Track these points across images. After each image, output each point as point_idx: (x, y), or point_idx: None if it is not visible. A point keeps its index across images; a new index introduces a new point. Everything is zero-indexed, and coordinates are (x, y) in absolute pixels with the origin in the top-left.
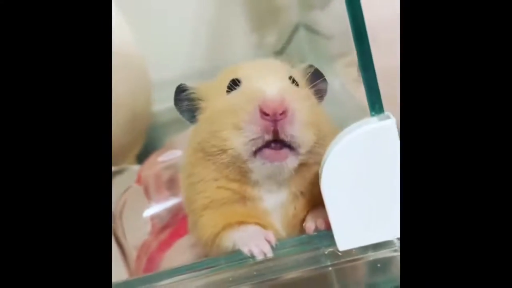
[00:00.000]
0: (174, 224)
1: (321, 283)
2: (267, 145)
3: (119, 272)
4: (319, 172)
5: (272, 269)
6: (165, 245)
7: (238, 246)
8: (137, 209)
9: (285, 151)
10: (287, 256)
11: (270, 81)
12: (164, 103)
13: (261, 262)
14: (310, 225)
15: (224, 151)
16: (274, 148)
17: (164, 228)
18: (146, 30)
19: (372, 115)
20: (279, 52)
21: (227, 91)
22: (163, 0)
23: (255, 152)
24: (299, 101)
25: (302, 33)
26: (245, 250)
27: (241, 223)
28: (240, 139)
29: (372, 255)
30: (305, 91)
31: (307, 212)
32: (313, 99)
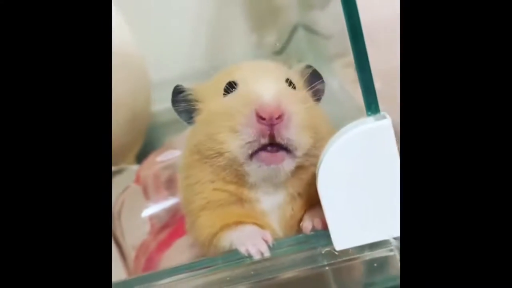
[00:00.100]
0: (173, 224)
1: (318, 283)
2: (263, 148)
3: (117, 272)
4: (316, 172)
5: (269, 268)
6: (164, 245)
7: (235, 245)
8: (135, 209)
9: (281, 154)
10: (284, 255)
11: (266, 84)
12: (163, 103)
13: (258, 261)
14: (307, 225)
15: (220, 154)
16: (271, 151)
17: (163, 228)
18: (146, 30)
19: (369, 115)
20: (279, 52)
21: (224, 94)
22: (162, 0)
23: (251, 155)
24: (296, 105)
25: (301, 33)
26: (242, 249)
27: (238, 223)
28: (236, 142)
29: (369, 255)
30: (302, 94)
31: (304, 212)
32: (311, 101)
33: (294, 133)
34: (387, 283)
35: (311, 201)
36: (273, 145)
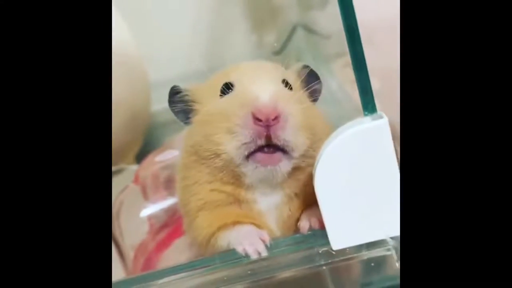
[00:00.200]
0: (172, 224)
1: (315, 282)
2: (260, 149)
3: (116, 272)
4: (313, 172)
5: (267, 268)
6: (163, 245)
7: (232, 245)
8: (134, 209)
9: (278, 155)
10: (282, 255)
11: (262, 86)
12: (162, 103)
13: (256, 261)
14: (304, 225)
15: (217, 155)
16: (267, 152)
17: (162, 228)
18: (145, 30)
19: (366, 115)
20: (278, 52)
21: (220, 95)
22: (162, 0)
23: (248, 156)
24: (292, 106)
25: (300, 33)
26: (240, 249)
27: (236, 223)
28: (233, 143)
29: (366, 254)
30: (298, 95)
31: (302, 212)
32: (308, 102)
33: (290, 134)
34: (385, 282)
35: (308, 201)
36: (270, 146)
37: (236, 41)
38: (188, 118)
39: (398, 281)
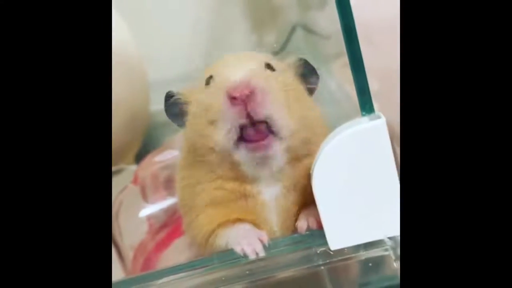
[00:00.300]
0: (171, 224)
1: (313, 282)
2: (248, 133)
3: (116, 272)
4: (311, 172)
5: (265, 268)
6: (162, 245)
7: (231, 245)
8: (133, 209)
9: (268, 138)
10: (280, 255)
11: (238, 68)
12: (162, 103)
13: (254, 261)
14: (302, 224)
15: (210, 149)
16: (256, 136)
17: (161, 228)
18: (145, 30)
19: (363, 115)
20: (277, 53)
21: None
22: (162, 0)
23: (239, 143)
24: (272, 82)
25: (300, 33)
26: (238, 249)
27: (237, 220)
28: (218, 132)
29: (364, 255)
30: (282, 76)
31: (300, 207)
32: (295, 85)
33: (271, 109)
34: (382, 282)
35: (306, 195)
36: (257, 128)
37: (236, 41)
38: (183, 121)
39: (396, 281)
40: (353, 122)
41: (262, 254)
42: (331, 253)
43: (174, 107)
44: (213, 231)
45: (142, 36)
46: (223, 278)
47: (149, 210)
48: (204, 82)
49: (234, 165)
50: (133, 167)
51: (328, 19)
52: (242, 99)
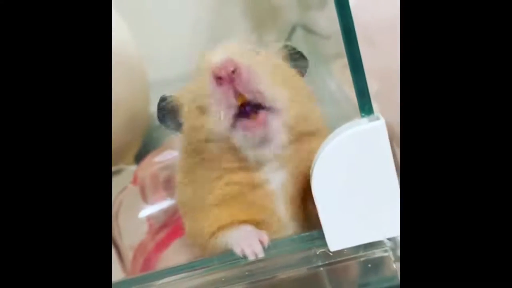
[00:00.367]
0: (171, 224)
1: (313, 283)
2: (242, 115)
3: (115, 272)
4: (310, 173)
5: (264, 269)
6: (162, 246)
7: (230, 246)
8: (133, 210)
9: (262, 114)
10: (279, 256)
11: (220, 52)
12: None
13: (253, 262)
14: None
15: (206, 140)
16: (250, 115)
17: (161, 228)
18: (145, 30)
19: (362, 116)
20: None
21: None
22: (162, 0)
23: (233, 127)
24: (257, 60)
25: (300, 34)
26: (238, 250)
27: (240, 222)
28: (211, 119)
29: (363, 256)
30: (268, 57)
31: (307, 195)
32: (283, 66)
33: (259, 83)
34: (382, 283)
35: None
36: (250, 107)
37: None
38: (179, 123)
39: (395, 282)
40: (352, 123)
41: (261, 255)
42: (331, 254)
43: (166, 112)
44: (213, 233)
45: (142, 36)
46: (223, 279)
47: (148, 210)
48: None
49: (235, 152)
50: (133, 168)
51: (328, 19)
52: (228, 77)
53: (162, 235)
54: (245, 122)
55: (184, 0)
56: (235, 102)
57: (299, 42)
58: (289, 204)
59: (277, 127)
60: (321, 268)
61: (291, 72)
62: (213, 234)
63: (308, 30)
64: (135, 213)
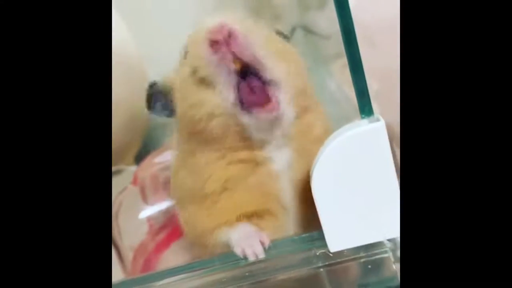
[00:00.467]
0: (171, 225)
1: (313, 284)
2: (244, 91)
3: (115, 273)
4: (310, 174)
5: (265, 270)
6: (162, 246)
7: (231, 246)
8: (133, 210)
9: (274, 97)
10: (280, 257)
11: (215, 19)
12: None
13: (254, 263)
14: None
15: (209, 115)
16: (254, 93)
17: (161, 229)
18: (145, 30)
19: (362, 118)
20: None
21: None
22: (162, 0)
23: (239, 104)
24: (252, 26)
25: (299, 34)
26: (238, 251)
27: (242, 215)
28: (213, 92)
29: (363, 256)
30: (262, 25)
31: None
32: (277, 37)
33: (256, 49)
34: (382, 284)
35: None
36: (250, 82)
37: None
38: (171, 109)
39: (395, 283)
40: (352, 124)
41: (262, 256)
42: (331, 255)
43: (156, 97)
44: (214, 228)
45: (142, 36)
46: (223, 280)
47: (148, 211)
48: (182, 59)
49: (240, 129)
50: (133, 168)
51: (328, 20)
52: (224, 41)
53: (162, 235)
54: (257, 109)
55: (184, 0)
56: (233, 67)
57: (299, 43)
58: (294, 185)
59: (285, 105)
60: (321, 269)
61: (286, 44)
62: (213, 229)
63: (308, 30)
64: (135, 214)
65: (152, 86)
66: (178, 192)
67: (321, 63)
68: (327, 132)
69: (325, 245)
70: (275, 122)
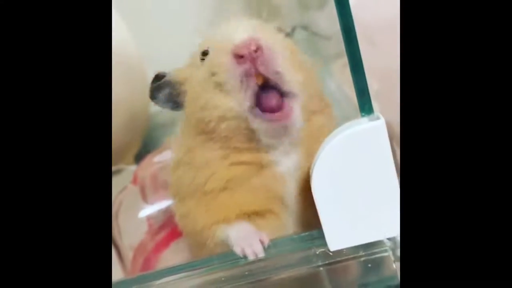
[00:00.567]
0: (171, 224)
1: (312, 283)
2: (262, 101)
3: (115, 272)
4: (310, 172)
5: (264, 269)
6: (162, 246)
7: (231, 245)
8: (133, 210)
9: (287, 105)
10: (279, 256)
11: (239, 25)
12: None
13: (253, 262)
14: None
15: (220, 117)
16: (271, 102)
17: (160, 228)
18: (145, 30)
19: (362, 116)
20: None
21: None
22: (162, 0)
23: (253, 109)
24: (276, 38)
25: (300, 34)
26: (238, 250)
27: (239, 216)
28: (229, 98)
29: (363, 255)
30: (284, 37)
31: None
32: (295, 47)
33: (279, 64)
34: (382, 283)
35: None
36: (269, 92)
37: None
38: (176, 102)
39: (395, 282)
40: (352, 122)
41: (261, 255)
42: (331, 254)
43: (167, 89)
44: (212, 224)
45: (142, 36)
46: (223, 279)
47: (148, 210)
48: (192, 60)
49: (249, 134)
50: (133, 167)
51: (328, 20)
52: (249, 56)
53: (162, 235)
54: (267, 112)
55: (184, 0)
56: (255, 82)
57: (299, 43)
58: (300, 187)
59: (297, 114)
60: (321, 268)
61: (301, 53)
62: (211, 225)
63: (308, 30)
64: (135, 213)
65: (159, 76)
66: (177, 185)
67: (321, 62)
68: None
69: (325, 244)
70: (285, 129)
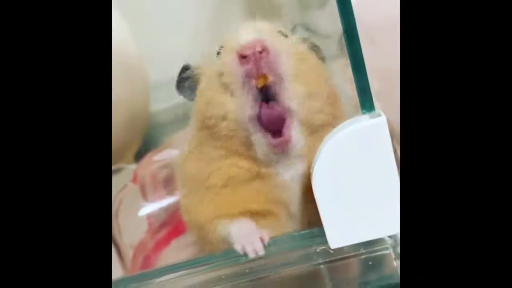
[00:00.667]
0: (171, 223)
1: (313, 281)
2: (264, 113)
3: (115, 271)
4: (311, 169)
5: (265, 266)
6: (162, 244)
7: (231, 242)
8: (133, 208)
9: (287, 130)
10: (280, 253)
11: (249, 30)
12: (162, 103)
13: (254, 260)
14: None
15: (222, 116)
16: (272, 116)
17: (161, 227)
18: (145, 30)
19: (364, 113)
20: None
21: None
22: (162, 0)
23: (254, 121)
24: (284, 44)
25: (299, 33)
26: (238, 247)
27: (242, 213)
28: (233, 100)
29: (364, 253)
30: (295, 42)
31: None
32: (308, 54)
33: (281, 68)
34: (382, 281)
35: None
36: (272, 107)
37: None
38: (194, 94)
39: (396, 280)
40: (353, 120)
41: (261, 253)
42: (331, 251)
43: (187, 81)
44: (214, 218)
45: (142, 36)
46: (223, 277)
47: (148, 209)
48: (215, 55)
49: (248, 141)
50: (133, 166)
51: (329, 19)
52: (253, 57)
53: (162, 233)
54: (270, 139)
55: (185, 0)
56: (255, 85)
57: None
58: (303, 194)
59: (297, 137)
60: (322, 266)
61: (314, 60)
62: (213, 219)
63: (309, 29)
64: (135, 212)
65: (184, 68)
66: (184, 178)
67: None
68: None
69: (325, 242)
70: (284, 151)
